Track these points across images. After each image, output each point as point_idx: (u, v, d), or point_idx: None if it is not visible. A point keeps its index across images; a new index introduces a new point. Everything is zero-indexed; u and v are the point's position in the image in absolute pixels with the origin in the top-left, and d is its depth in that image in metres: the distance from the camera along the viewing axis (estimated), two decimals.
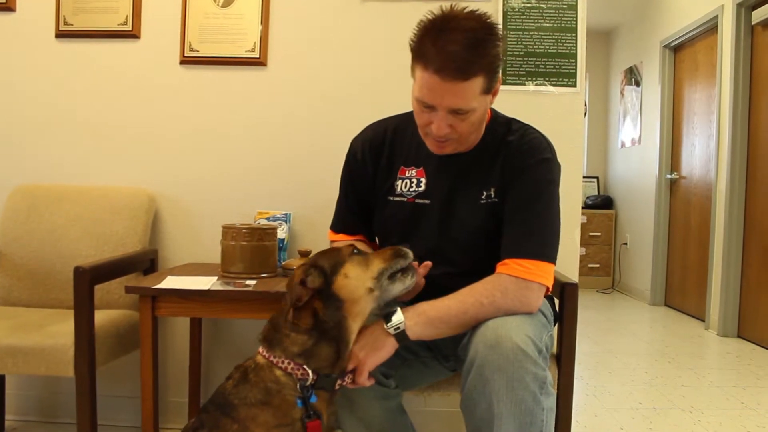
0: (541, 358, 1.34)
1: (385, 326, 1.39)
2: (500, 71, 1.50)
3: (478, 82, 1.41)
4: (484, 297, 1.42)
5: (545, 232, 1.52)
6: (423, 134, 1.56)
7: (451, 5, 1.45)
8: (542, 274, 1.46)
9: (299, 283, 1.32)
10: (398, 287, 1.41)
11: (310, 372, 1.31)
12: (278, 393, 1.30)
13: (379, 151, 1.71)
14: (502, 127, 1.62)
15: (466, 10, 1.43)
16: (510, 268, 1.46)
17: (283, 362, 1.32)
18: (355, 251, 1.41)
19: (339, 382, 1.36)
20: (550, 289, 1.53)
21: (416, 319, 1.41)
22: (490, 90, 1.48)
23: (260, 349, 1.37)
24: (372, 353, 1.38)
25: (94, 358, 1.92)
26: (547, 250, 1.50)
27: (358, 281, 1.36)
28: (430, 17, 1.43)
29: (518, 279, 1.44)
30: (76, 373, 1.89)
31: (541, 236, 1.51)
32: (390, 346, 1.39)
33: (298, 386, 1.31)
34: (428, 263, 1.53)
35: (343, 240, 1.79)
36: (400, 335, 1.39)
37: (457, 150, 1.58)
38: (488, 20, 1.44)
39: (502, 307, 1.42)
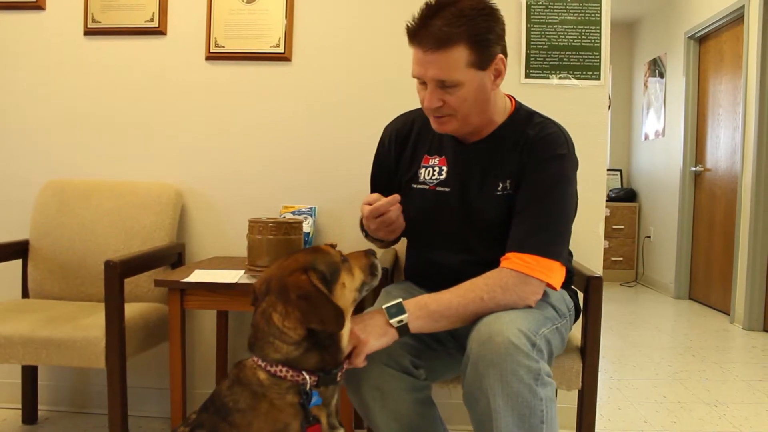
0: (535, 350, 1.35)
1: (387, 318, 1.40)
2: (499, 50, 1.51)
3: (460, 54, 1.45)
4: (485, 293, 1.44)
5: (551, 229, 1.52)
6: (426, 114, 1.60)
7: None
8: (543, 270, 1.47)
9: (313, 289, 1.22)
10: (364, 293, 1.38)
11: (306, 375, 1.23)
12: (263, 397, 1.22)
13: (405, 140, 1.76)
14: (523, 120, 1.64)
15: None
16: (512, 262, 1.47)
17: (266, 366, 1.24)
18: (343, 258, 1.33)
19: (339, 373, 1.31)
20: (557, 287, 1.53)
21: (418, 313, 1.42)
22: (483, 66, 1.49)
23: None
24: (375, 338, 1.36)
25: (125, 350, 1.96)
26: (550, 247, 1.50)
27: (350, 292, 1.31)
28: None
29: (518, 273, 1.46)
30: (107, 365, 1.93)
31: (547, 232, 1.51)
32: (391, 337, 1.39)
33: (296, 390, 1.23)
34: (396, 197, 1.57)
35: None
36: (403, 328, 1.40)
37: (459, 131, 1.61)
38: (488, 2, 1.49)
39: (502, 302, 1.44)
